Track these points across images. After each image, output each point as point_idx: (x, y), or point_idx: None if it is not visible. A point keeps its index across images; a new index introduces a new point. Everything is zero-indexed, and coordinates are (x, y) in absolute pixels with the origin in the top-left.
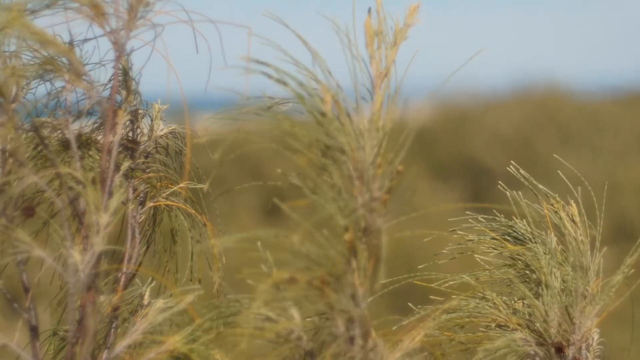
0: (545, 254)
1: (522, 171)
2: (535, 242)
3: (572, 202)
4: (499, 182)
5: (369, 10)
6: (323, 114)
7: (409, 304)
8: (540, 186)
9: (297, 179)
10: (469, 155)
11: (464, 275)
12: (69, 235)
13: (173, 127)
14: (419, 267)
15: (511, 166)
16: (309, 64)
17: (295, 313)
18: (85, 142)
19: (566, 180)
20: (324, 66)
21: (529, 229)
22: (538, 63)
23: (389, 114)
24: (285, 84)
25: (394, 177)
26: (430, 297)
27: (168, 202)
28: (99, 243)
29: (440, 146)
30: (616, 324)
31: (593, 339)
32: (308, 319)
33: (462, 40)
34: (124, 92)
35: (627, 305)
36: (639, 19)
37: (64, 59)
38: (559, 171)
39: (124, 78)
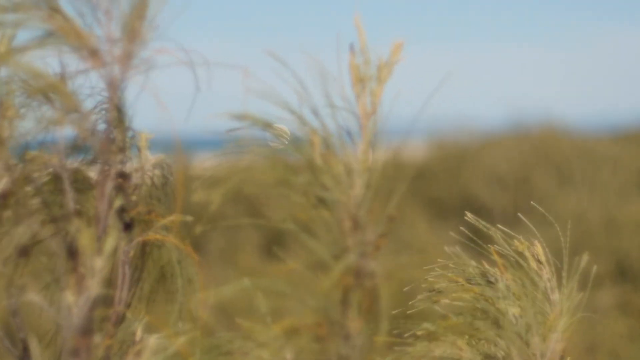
0: (498, 293)
1: (480, 220)
2: (494, 283)
3: (536, 242)
4: (460, 227)
5: (351, 47)
6: (312, 157)
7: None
8: (504, 229)
9: (292, 224)
10: (467, 194)
11: (427, 324)
12: (64, 277)
13: (161, 158)
14: (393, 312)
15: (468, 215)
16: (301, 97)
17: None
18: (76, 177)
19: (528, 223)
20: (312, 108)
21: (482, 270)
22: (535, 101)
23: (377, 154)
24: (274, 130)
25: (388, 221)
26: (394, 347)
27: (158, 237)
28: (94, 286)
29: (438, 185)
30: None
31: None
32: None
33: (459, 77)
34: (118, 133)
35: (628, 346)
36: (635, 59)
37: (56, 94)
38: (520, 214)
39: (119, 117)
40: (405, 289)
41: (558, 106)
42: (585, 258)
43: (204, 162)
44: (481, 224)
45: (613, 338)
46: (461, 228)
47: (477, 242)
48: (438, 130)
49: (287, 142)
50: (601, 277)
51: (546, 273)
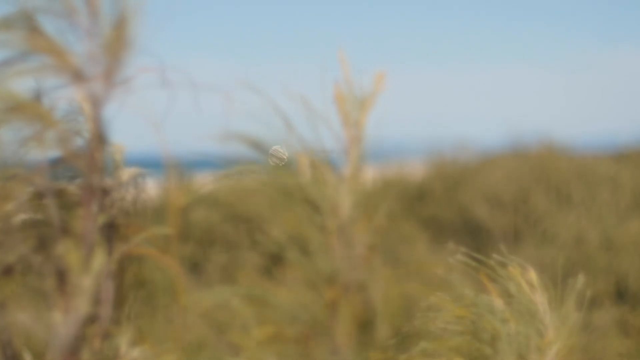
0: (494, 315)
1: (474, 255)
2: (489, 306)
3: (530, 268)
4: (460, 247)
5: (336, 83)
6: (300, 179)
7: None
8: (499, 257)
9: (285, 240)
10: (466, 214)
11: (424, 342)
12: (51, 296)
13: (136, 171)
14: (391, 342)
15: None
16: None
17: None
18: (58, 194)
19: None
20: (299, 135)
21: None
22: (534, 122)
23: (362, 174)
24: (272, 153)
25: (375, 234)
26: None
27: (139, 250)
28: (82, 305)
29: (437, 204)
30: None
31: None
32: None
33: (458, 97)
34: (99, 151)
35: None
36: (633, 80)
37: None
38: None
39: (100, 135)
40: (406, 311)
41: (557, 127)
42: (581, 280)
43: (202, 180)
44: (473, 256)
45: (612, 358)
46: (461, 250)
47: (477, 262)
48: (437, 151)
49: (283, 164)
50: (600, 297)
51: (539, 297)
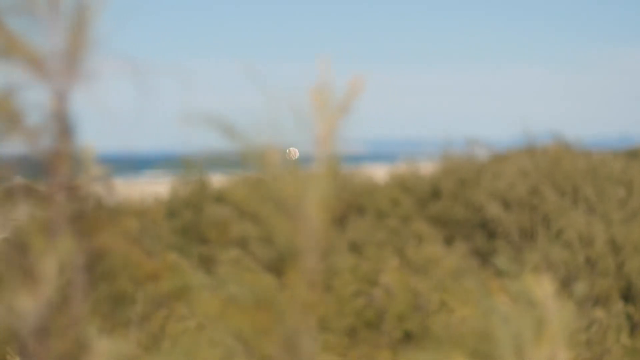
0: (498, 313)
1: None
2: (495, 305)
3: (543, 271)
4: (471, 245)
5: (315, 88)
6: (266, 170)
7: None
8: (510, 256)
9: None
10: (478, 213)
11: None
12: (18, 284)
13: (105, 169)
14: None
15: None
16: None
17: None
18: (27, 188)
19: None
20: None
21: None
22: (547, 122)
23: (328, 168)
24: (236, 139)
25: (333, 218)
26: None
27: (108, 243)
28: (49, 292)
29: (449, 204)
30: None
31: None
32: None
33: (471, 98)
34: (65, 145)
35: None
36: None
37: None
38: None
39: (65, 129)
40: (415, 308)
41: (567, 126)
42: (582, 286)
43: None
44: (485, 255)
45: (618, 356)
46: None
47: (486, 261)
48: (450, 151)
49: (253, 156)
50: (610, 296)
51: (549, 300)
